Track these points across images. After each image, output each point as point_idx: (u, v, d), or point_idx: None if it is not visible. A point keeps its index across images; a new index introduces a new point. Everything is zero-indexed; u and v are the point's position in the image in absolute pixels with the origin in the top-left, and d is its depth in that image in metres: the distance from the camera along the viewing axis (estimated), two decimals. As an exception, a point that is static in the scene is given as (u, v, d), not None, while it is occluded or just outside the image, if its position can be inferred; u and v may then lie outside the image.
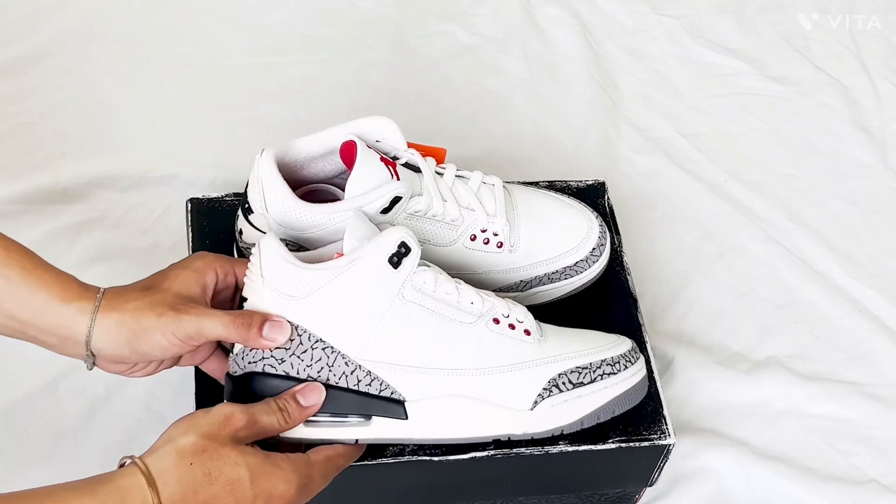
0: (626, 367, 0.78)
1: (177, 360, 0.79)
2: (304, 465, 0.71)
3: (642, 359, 0.81)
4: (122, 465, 0.67)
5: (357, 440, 0.75)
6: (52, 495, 0.64)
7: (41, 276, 0.72)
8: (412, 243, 0.74)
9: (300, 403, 0.73)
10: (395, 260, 0.73)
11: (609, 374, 0.77)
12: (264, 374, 0.74)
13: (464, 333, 0.75)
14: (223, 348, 0.81)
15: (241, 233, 0.84)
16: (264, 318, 0.73)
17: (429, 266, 0.76)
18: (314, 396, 0.73)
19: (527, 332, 0.77)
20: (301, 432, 0.74)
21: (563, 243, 0.87)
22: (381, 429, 0.74)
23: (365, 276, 0.72)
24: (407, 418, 0.74)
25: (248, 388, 0.74)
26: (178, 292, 0.74)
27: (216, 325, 0.72)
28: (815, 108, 1.30)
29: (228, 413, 0.69)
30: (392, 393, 0.74)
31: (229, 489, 0.67)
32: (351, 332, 0.73)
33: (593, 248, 0.88)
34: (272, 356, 0.73)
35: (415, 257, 0.74)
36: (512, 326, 0.76)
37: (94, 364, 0.74)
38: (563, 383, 0.75)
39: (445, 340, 0.74)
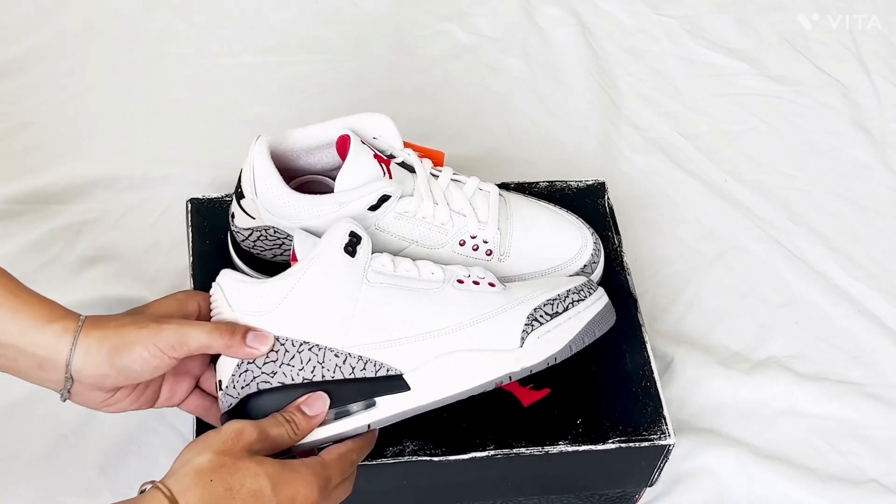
0: (590, 294, 0.81)
1: (156, 395, 0.78)
2: (320, 467, 0.71)
3: (601, 288, 0.83)
4: (142, 492, 0.67)
5: (369, 425, 0.75)
6: None
7: (25, 299, 0.72)
8: (361, 231, 0.76)
9: (306, 414, 0.73)
10: (350, 249, 0.75)
11: (578, 301, 0.80)
12: (261, 393, 0.74)
13: (435, 297, 0.77)
14: (201, 389, 0.80)
15: (233, 216, 0.85)
16: (248, 328, 0.73)
17: (381, 252, 0.79)
18: (319, 405, 0.73)
19: (491, 285, 0.79)
20: (313, 435, 0.74)
21: (553, 258, 0.87)
22: (388, 407, 0.75)
23: (327, 270, 0.74)
24: (410, 389, 0.75)
25: (249, 410, 0.74)
26: (161, 313, 0.75)
27: (199, 334, 0.72)
28: (815, 108, 1.29)
29: (239, 428, 0.69)
30: (388, 370, 0.74)
31: (252, 501, 0.67)
32: (330, 325, 0.74)
33: (584, 266, 0.88)
34: (263, 373, 0.74)
35: (367, 244, 0.76)
36: (476, 283, 0.79)
37: (69, 392, 0.73)
38: (541, 316, 0.78)
39: (420, 307, 0.76)
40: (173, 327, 0.72)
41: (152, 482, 0.67)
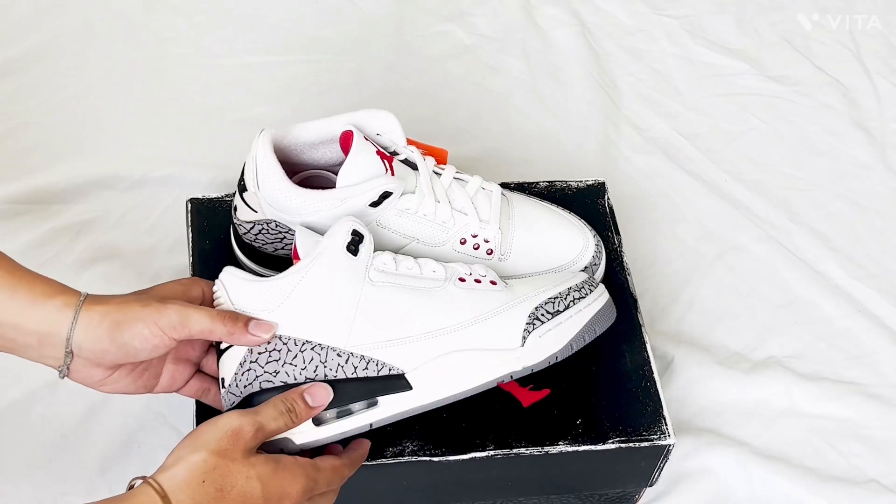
0: (591, 291, 0.81)
1: (156, 381, 0.78)
2: (311, 469, 0.71)
3: (601, 285, 0.83)
4: (131, 487, 0.67)
5: (371, 424, 0.75)
6: None
7: (23, 277, 0.72)
8: (363, 230, 0.76)
9: (308, 404, 0.73)
10: (353, 248, 0.75)
11: (579, 299, 0.80)
12: (264, 392, 0.74)
13: (437, 296, 0.77)
14: (203, 373, 0.81)
15: (235, 209, 0.86)
16: (250, 317, 0.74)
17: (383, 251, 0.79)
18: (322, 396, 0.73)
19: (492, 283, 0.79)
20: (314, 434, 0.74)
21: (555, 258, 0.87)
22: (390, 406, 0.75)
23: (330, 269, 0.74)
24: (411, 388, 0.75)
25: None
26: (164, 295, 0.75)
27: (202, 318, 0.72)
28: (815, 108, 1.29)
29: (236, 428, 0.69)
30: (390, 370, 0.75)
31: (241, 501, 0.67)
32: (332, 324, 0.74)
33: (586, 267, 0.88)
34: (265, 371, 0.74)
35: (369, 243, 0.76)
36: (478, 281, 0.79)
37: (68, 369, 0.73)
38: (542, 315, 0.78)
39: (423, 306, 0.76)
40: (176, 308, 0.72)
41: (143, 477, 0.67)
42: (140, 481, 0.67)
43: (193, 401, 0.82)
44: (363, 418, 0.75)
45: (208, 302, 0.78)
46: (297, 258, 0.76)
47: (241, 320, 0.73)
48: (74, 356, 0.73)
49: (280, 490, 0.69)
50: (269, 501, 0.68)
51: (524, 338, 0.77)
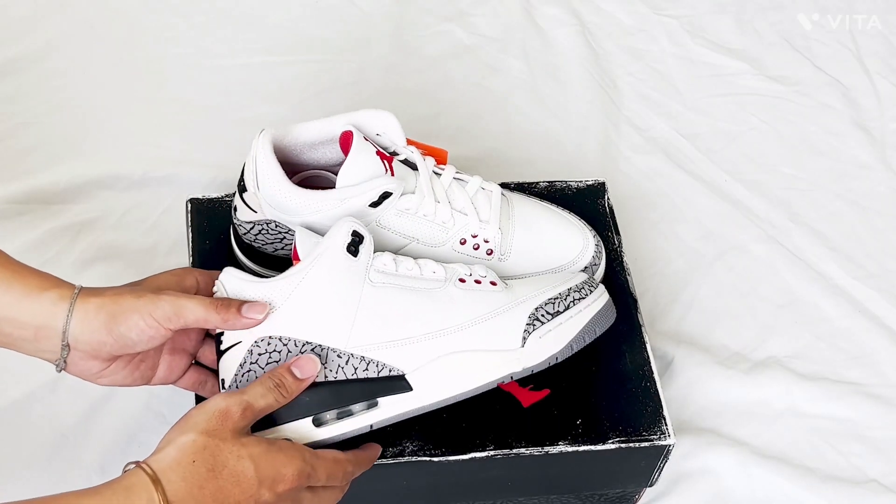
0: (591, 292, 0.81)
1: (153, 372, 0.78)
2: (309, 454, 0.71)
3: (601, 286, 0.83)
4: (125, 471, 0.67)
5: (371, 426, 0.75)
6: (56, 501, 0.64)
7: (17, 270, 0.73)
8: (363, 231, 0.76)
9: (297, 377, 0.73)
10: (353, 249, 0.75)
11: (579, 299, 0.80)
12: None
13: (437, 297, 0.77)
14: (200, 364, 0.81)
15: (235, 209, 0.86)
16: (242, 301, 0.74)
17: (383, 251, 0.79)
18: (310, 367, 0.73)
19: (493, 284, 0.79)
20: (315, 434, 0.74)
21: (555, 258, 0.87)
22: (391, 407, 0.75)
23: (330, 270, 0.74)
24: (412, 389, 0.75)
25: None
26: (158, 286, 0.76)
27: (196, 307, 0.72)
28: (815, 108, 1.29)
29: (223, 409, 0.69)
30: (391, 371, 0.75)
31: (234, 481, 0.67)
32: (333, 325, 0.74)
33: (585, 267, 0.88)
34: (265, 372, 0.74)
35: (369, 244, 0.76)
36: (478, 282, 0.79)
37: (65, 362, 0.73)
38: (542, 315, 0.78)
39: (423, 307, 0.76)
40: (170, 299, 0.72)
41: (135, 462, 0.67)
42: (133, 465, 0.67)
43: (193, 400, 0.82)
44: (363, 419, 0.75)
45: (203, 291, 0.78)
46: (297, 259, 0.76)
47: (234, 305, 0.73)
48: (71, 349, 0.73)
49: (274, 471, 0.68)
50: (263, 482, 0.68)
51: (524, 338, 0.77)
